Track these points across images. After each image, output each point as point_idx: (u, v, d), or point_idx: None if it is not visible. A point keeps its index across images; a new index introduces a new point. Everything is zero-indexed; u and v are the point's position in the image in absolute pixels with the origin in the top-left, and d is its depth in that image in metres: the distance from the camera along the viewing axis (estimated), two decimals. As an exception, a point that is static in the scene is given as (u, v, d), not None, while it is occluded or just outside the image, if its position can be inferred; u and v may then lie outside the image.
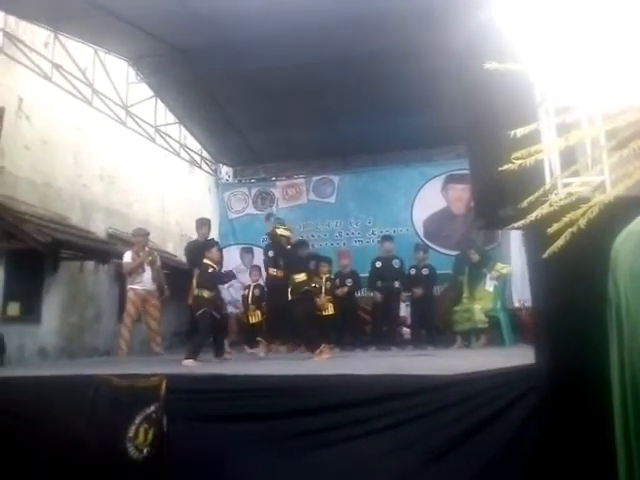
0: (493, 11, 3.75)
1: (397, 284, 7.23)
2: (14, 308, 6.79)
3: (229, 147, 10.03)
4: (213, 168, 10.73)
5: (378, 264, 7.45)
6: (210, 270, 5.64)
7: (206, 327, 5.43)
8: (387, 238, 7.80)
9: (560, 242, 1.92)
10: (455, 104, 4.67)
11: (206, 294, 5.46)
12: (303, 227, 9.77)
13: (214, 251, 5.83)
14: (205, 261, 5.68)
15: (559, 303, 2.63)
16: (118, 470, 3.63)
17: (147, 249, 6.93)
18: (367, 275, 7.55)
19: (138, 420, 3.69)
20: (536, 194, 2.20)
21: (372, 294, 7.52)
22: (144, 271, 6.72)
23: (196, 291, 5.57)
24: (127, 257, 6.80)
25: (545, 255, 2.00)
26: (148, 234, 7.13)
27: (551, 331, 2.73)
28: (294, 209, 10.10)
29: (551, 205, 2.08)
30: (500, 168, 2.14)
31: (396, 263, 7.35)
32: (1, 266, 6.54)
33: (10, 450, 3.87)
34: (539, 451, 2.85)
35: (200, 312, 5.40)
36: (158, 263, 7.03)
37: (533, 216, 2.05)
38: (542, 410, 2.81)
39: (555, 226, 1.97)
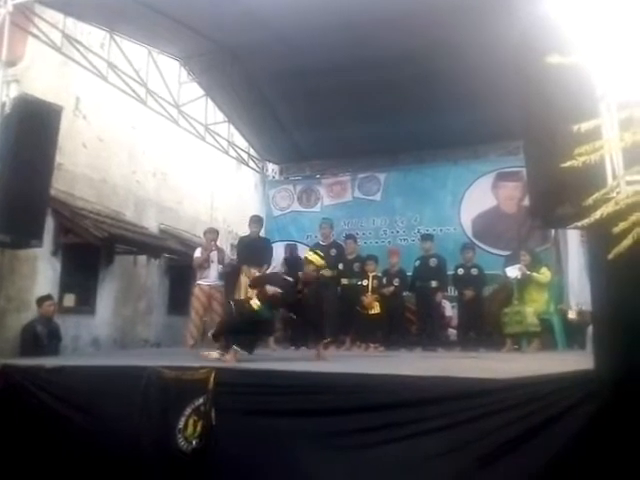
0: (548, 3, 3.61)
1: (434, 283, 7.02)
2: (70, 299, 7.09)
3: (276, 145, 10.09)
4: (260, 166, 10.81)
5: (417, 263, 7.34)
6: None
7: None
8: (426, 237, 7.63)
9: (627, 242, 1.83)
10: (507, 100, 4.53)
11: None
12: (347, 224, 9.72)
13: None
14: None
15: (623, 305, 2.49)
16: (168, 460, 3.71)
17: (214, 244, 6.91)
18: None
19: (187, 412, 3.76)
20: (601, 192, 2.10)
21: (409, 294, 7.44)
22: (209, 267, 6.76)
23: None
24: (197, 252, 6.86)
25: (611, 255, 1.90)
26: (217, 232, 7.15)
27: (613, 335, 2.60)
28: (339, 206, 10.05)
29: (617, 203, 1.99)
30: (562, 164, 2.06)
31: (433, 262, 7.17)
32: (58, 259, 6.83)
33: (63, 436, 4.03)
34: (596, 460, 2.72)
35: None
36: (227, 260, 7.07)
37: (597, 215, 1.96)
38: (602, 418, 2.69)
39: (621, 225, 1.88)
